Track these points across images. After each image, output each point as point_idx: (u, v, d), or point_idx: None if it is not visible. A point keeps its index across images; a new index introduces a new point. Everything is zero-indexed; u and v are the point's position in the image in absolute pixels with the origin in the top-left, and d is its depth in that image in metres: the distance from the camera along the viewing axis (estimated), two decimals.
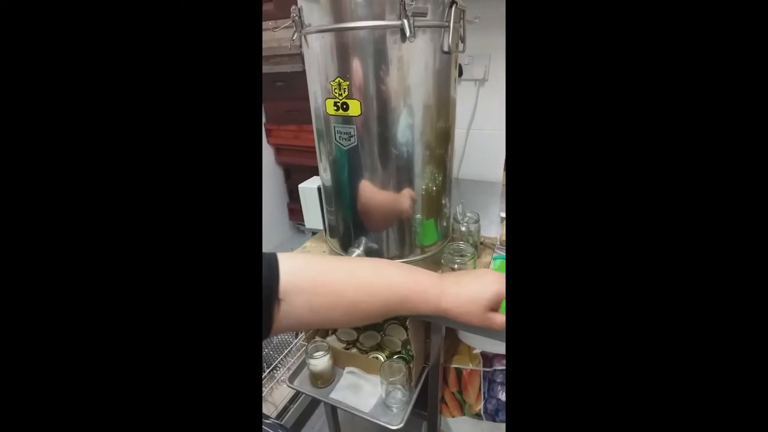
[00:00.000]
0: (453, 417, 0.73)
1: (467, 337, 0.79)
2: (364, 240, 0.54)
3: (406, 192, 0.52)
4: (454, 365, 0.76)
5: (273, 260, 0.35)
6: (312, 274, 0.37)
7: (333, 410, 0.89)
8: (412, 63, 0.44)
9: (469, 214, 0.64)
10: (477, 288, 0.40)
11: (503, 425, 0.70)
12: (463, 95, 0.93)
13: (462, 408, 0.73)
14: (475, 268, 0.57)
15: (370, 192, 0.51)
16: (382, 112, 0.46)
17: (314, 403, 1.15)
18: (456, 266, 0.53)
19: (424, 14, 0.41)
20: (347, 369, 0.66)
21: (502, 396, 0.72)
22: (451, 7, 0.43)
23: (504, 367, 0.75)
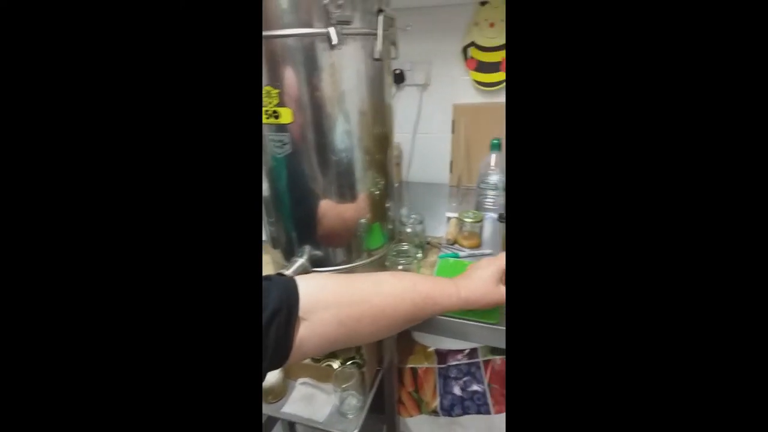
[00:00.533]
0: (411, 416, 0.74)
1: (422, 337, 0.80)
2: (307, 248, 0.53)
3: (349, 198, 0.52)
4: (409, 365, 0.77)
5: (291, 283, 0.35)
6: (335, 286, 0.38)
7: (291, 425, 0.87)
8: (344, 70, 0.45)
9: (414, 216, 0.66)
10: (480, 272, 0.44)
11: (459, 419, 0.72)
12: (407, 100, 0.95)
13: (419, 406, 0.74)
14: (420, 268, 0.58)
15: (312, 199, 0.50)
16: (317, 120, 0.46)
17: (272, 418, 1.11)
18: (401, 267, 0.54)
19: (348, 22, 0.42)
20: (300, 380, 0.65)
21: (457, 390, 0.74)
22: (377, 15, 0.44)
23: (457, 362, 0.77)
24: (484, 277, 0.43)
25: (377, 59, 0.47)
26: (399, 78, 0.91)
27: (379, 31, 0.44)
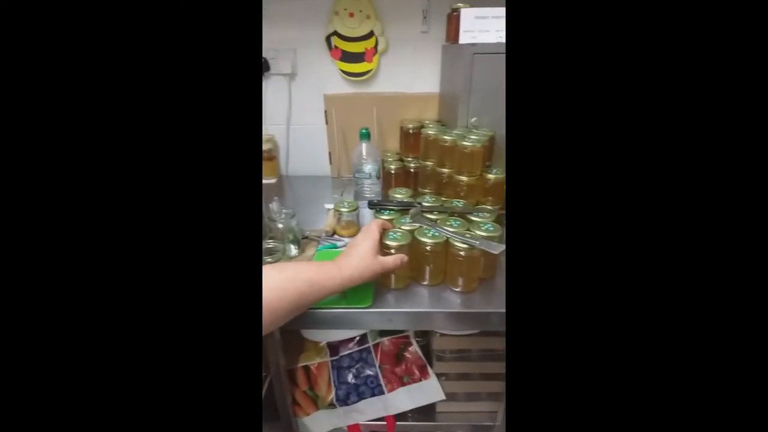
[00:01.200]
0: (308, 415, 0.72)
1: (311, 333, 0.79)
2: None
3: None
4: (301, 364, 0.75)
5: None
6: None
7: None
8: None
9: (285, 211, 0.63)
10: (358, 248, 0.45)
11: (355, 405, 0.73)
12: (276, 90, 0.91)
13: (315, 403, 0.73)
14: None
15: None
16: None
17: None
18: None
19: None
20: None
21: (350, 378, 0.75)
22: None
23: (349, 351, 0.78)
24: (362, 252, 0.44)
25: None
26: (263, 66, 0.86)
27: None
